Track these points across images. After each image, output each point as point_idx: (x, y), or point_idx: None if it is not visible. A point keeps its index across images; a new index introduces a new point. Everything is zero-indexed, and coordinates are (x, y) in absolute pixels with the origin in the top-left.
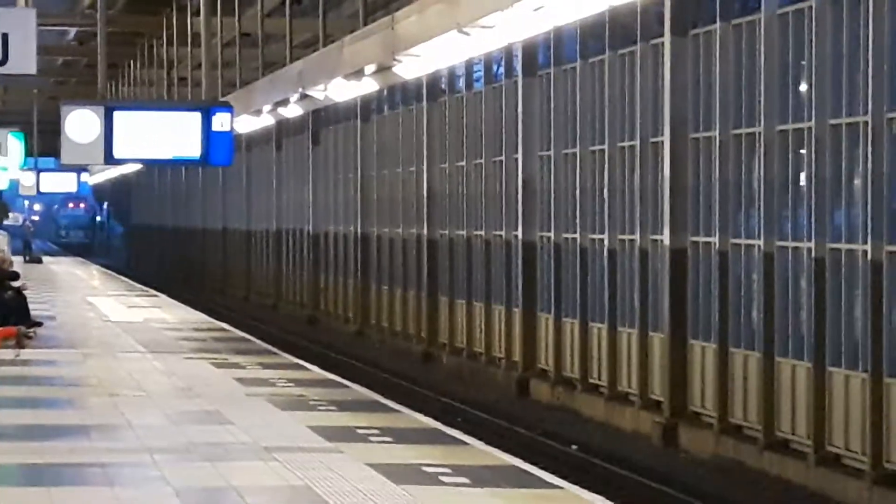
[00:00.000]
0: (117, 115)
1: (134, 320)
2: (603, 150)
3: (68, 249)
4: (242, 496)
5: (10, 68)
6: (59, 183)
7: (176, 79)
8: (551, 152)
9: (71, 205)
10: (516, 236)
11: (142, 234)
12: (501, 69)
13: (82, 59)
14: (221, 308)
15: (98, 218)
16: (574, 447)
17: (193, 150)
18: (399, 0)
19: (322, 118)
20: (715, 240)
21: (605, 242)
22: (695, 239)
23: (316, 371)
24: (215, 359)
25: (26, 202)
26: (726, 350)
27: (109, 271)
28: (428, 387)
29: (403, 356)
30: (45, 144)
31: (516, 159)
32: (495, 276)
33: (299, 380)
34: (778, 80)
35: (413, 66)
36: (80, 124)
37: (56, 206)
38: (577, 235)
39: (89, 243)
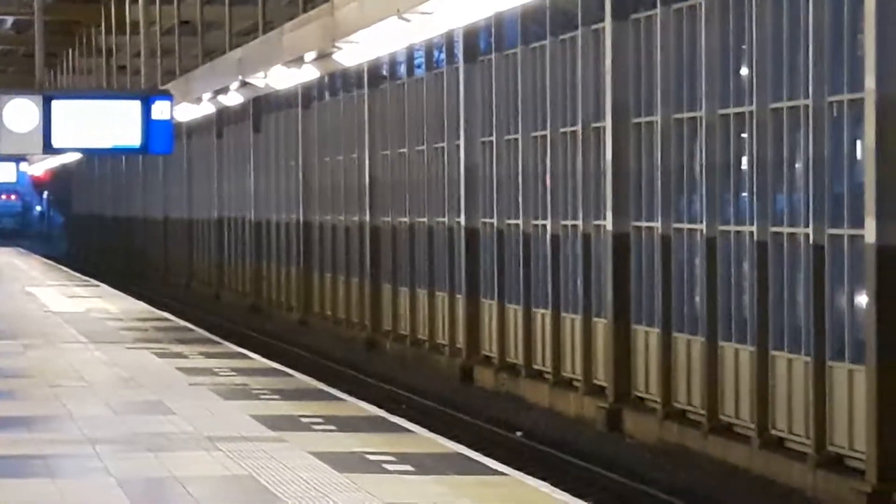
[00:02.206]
0: (56, 104)
1: (75, 310)
2: (545, 136)
3: (2, 235)
4: (185, 486)
5: None
6: None
7: (115, 67)
8: (493, 138)
9: (3, 196)
10: (459, 223)
11: (82, 224)
12: (442, 55)
13: (20, 48)
14: (163, 297)
15: (39, 207)
16: (519, 433)
17: (133, 138)
18: None
19: (263, 105)
20: (657, 224)
21: (548, 228)
22: (637, 224)
23: (259, 360)
24: (157, 348)
25: None
26: (669, 335)
27: (49, 261)
28: (372, 374)
29: (347, 344)
30: None
31: (458, 145)
32: (438, 263)
33: (242, 369)
34: (719, 64)
35: (353, 53)
36: (18, 113)
37: None
38: (520, 221)
39: (21, 229)
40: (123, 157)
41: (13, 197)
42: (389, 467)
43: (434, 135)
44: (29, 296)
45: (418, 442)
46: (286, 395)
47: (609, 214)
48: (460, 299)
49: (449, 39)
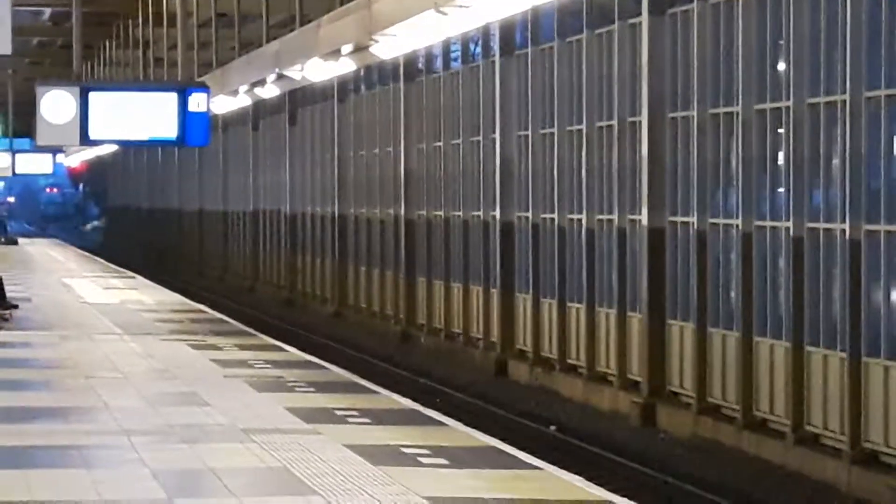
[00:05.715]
0: (93, 95)
1: (110, 302)
2: (581, 130)
3: (47, 219)
4: (220, 478)
5: None
6: (35, 164)
7: (152, 59)
8: (529, 132)
9: (48, 189)
10: (494, 216)
11: (118, 216)
12: (479, 49)
13: (57, 40)
14: (198, 289)
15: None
16: (553, 428)
17: (170, 130)
18: None
19: (299, 98)
20: (693, 219)
21: (584, 222)
22: (673, 219)
23: (294, 352)
24: (192, 340)
25: (1, 183)
26: (704, 330)
27: (85, 253)
28: (406, 368)
29: (381, 337)
30: (20, 125)
31: (494, 139)
32: (473, 257)
33: (277, 361)
34: (756, 59)
35: (390, 46)
36: (56, 105)
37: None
38: (555, 215)
39: (61, 215)
40: (159, 149)
41: (55, 190)
42: (424, 460)
43: (469, 128)
44: (65, 287)
45: (453, 435)
46: (321, 387)
47: (645, 209)
48: (495, 293)
49: (485, 33)
